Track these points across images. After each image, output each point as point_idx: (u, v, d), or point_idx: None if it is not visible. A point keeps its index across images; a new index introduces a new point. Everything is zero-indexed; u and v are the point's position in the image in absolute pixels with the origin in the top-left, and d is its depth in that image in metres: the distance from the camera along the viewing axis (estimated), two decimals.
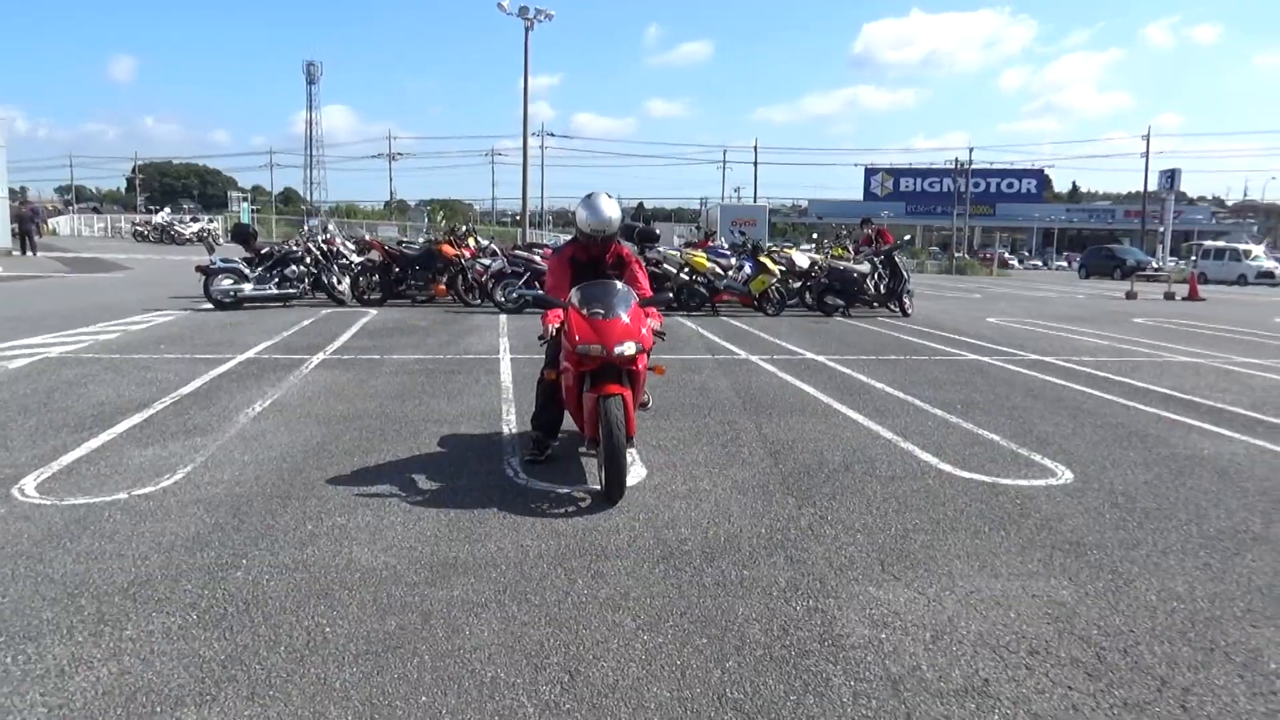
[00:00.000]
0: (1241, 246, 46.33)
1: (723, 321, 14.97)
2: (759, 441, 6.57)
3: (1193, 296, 24.59)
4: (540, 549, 4.34)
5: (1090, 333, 15.14)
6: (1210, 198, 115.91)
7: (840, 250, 18.05)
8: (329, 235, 17.28)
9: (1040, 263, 74.26)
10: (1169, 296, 24.66)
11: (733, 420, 7.28)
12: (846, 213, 70.55)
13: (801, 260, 17.21)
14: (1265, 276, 43.46)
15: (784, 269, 16.46)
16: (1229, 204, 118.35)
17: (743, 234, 19.21)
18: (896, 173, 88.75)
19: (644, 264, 15.41)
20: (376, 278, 16.03)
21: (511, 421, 7.08)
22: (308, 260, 15.62)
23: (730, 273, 16.11)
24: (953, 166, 77.85)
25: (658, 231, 18.14)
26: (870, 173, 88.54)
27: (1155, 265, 44.55)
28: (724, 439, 6.65)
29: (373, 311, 15.35)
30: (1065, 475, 5.85)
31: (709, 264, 15.84)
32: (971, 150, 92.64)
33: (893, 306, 16.84)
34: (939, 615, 3.70)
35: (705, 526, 4.72)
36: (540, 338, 5.47)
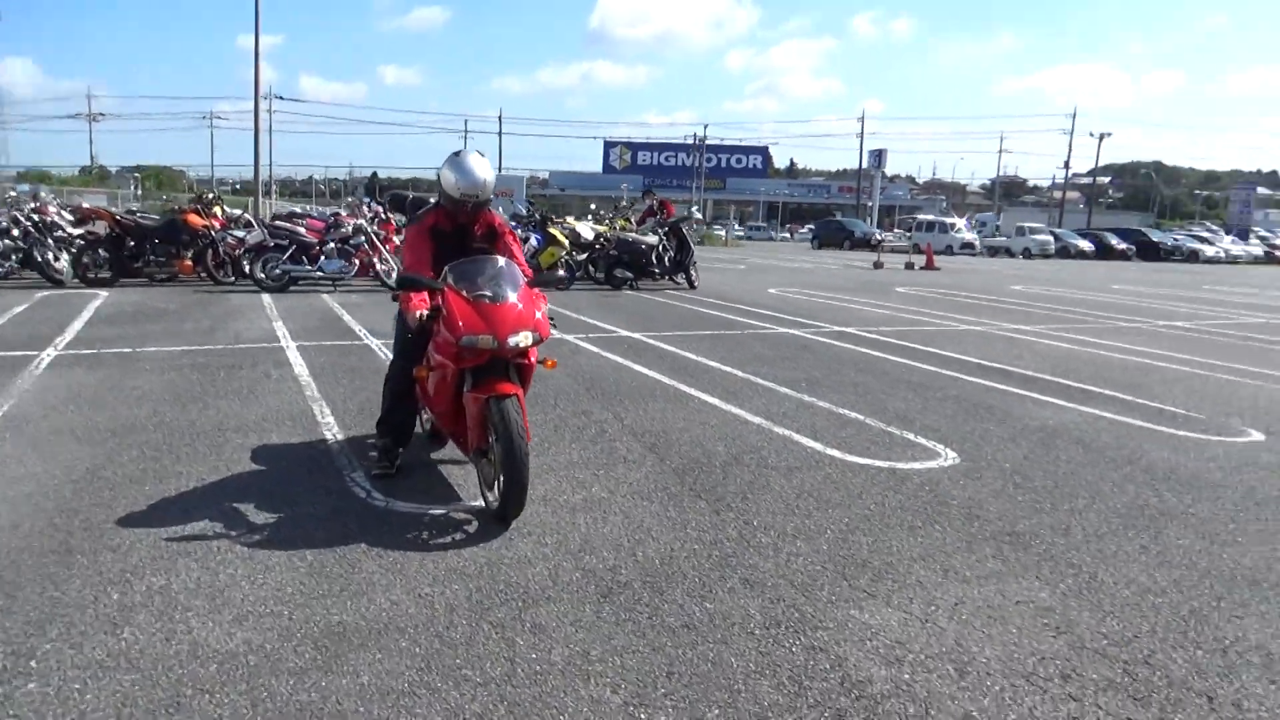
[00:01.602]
0: (948, 220, 50.96)
1: None
2: (628, 434, 5.90)
3: (929, 266, 26.52)
4: (448, 598, 3.44)
5: (868, 302, 15.67)
6: (905, 176, 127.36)
7: (624, 222, 17.62)
8: (40, 203, 14.59)
9: (770, 234, 78.17)
10: (909, 266, 26.45)
11: (586, 410, 6.56)
12: (586, 185, 71.12)
13: (586, 232, 16.61)
14: (967, 247, 47.92)
15: (570, 242, 15.79)
16: (920, 181, 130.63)
17: (531, 204, 18.29)
18: (634, 146, 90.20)
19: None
20: (105, 253, 13.68)
21: (332, 425, 5.96)
22: (15, 233, 13.05)
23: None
24: (687, 142, 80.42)
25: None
26: (609, 146, 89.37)
27: (879, 237, 47.99)
28: (589, 433, 5.92)
29: (103, 293, 13.08)
30: (950, 455, 5.65)
31: None
32: (706, 127, 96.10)
33: (679, 279, 16.65)
34: (944, 640, 3.24)
35: (628, 547, 4.00)
36: (408, 331, 4.48)
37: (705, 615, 3.37)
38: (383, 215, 15.44)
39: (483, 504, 4.40)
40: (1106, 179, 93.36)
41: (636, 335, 10.44)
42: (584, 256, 16.43)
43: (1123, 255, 46.92)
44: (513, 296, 4.27)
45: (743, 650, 3.12)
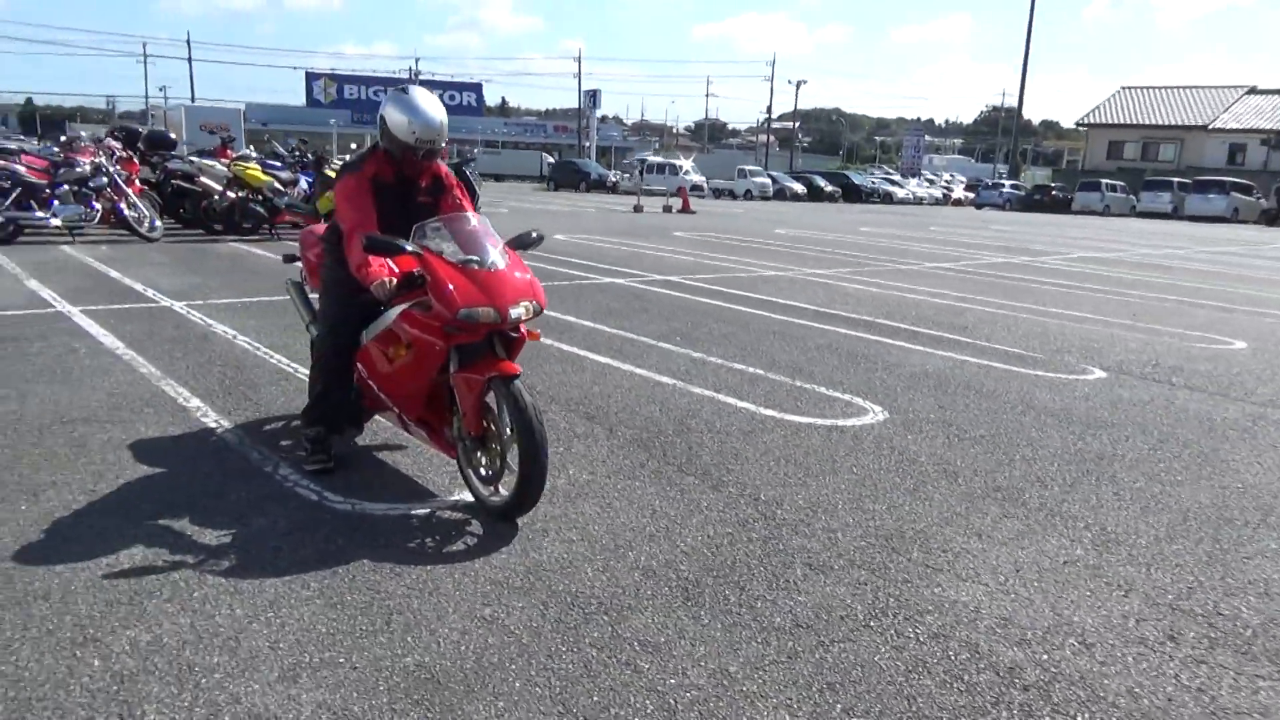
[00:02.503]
0: (675, 161, 52.38)
1: (291, 245, 12.70)
2: (552, 404, 5.46)
3: (685, 209, 27.15)
4: (522, 621, 2.96)
5: (663, 249, 15.71)
6: (613, 117, 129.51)
7: None
8: None
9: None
10: (667, 209, 26.94)
11: None
12: (289, 119, 66.11)
13: None
14: (695, 189, 49.67)
15: None
16: (628, 123, 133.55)
17: (304, 142, 16.46)
18: (340, 79, 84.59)
19: (187, 180, 12.54)
20: None
21: (205, 410, 5.03)
22: None
23: (293, 189, 13.72)
24: (398, 76, 76.98)
25: (172, 136, 14.83)
26: (312, 78, 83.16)
27: (613, 179, 48.55)
28: None
29: None
30: (876, 409, 5.72)
31: (266, 177, 13.30)
32: (417, 60, 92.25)
33: None
34: (1042, 612, 3.22)
35: (663, 537, 3.66)
36: (381, 301, 3.78)
37: (806, 611, 3.13)
38: (123, 154, 13.36)
39: (470, 498, 3.86)
40: (795, 124, 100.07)
41: None
42: None
43: (830, 197, 50.46)
44: (503, 262, 3.71)
45: (874, 646, 2.92)
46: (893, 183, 56.09)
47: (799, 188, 50.71)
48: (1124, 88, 57.44)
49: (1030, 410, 5.87)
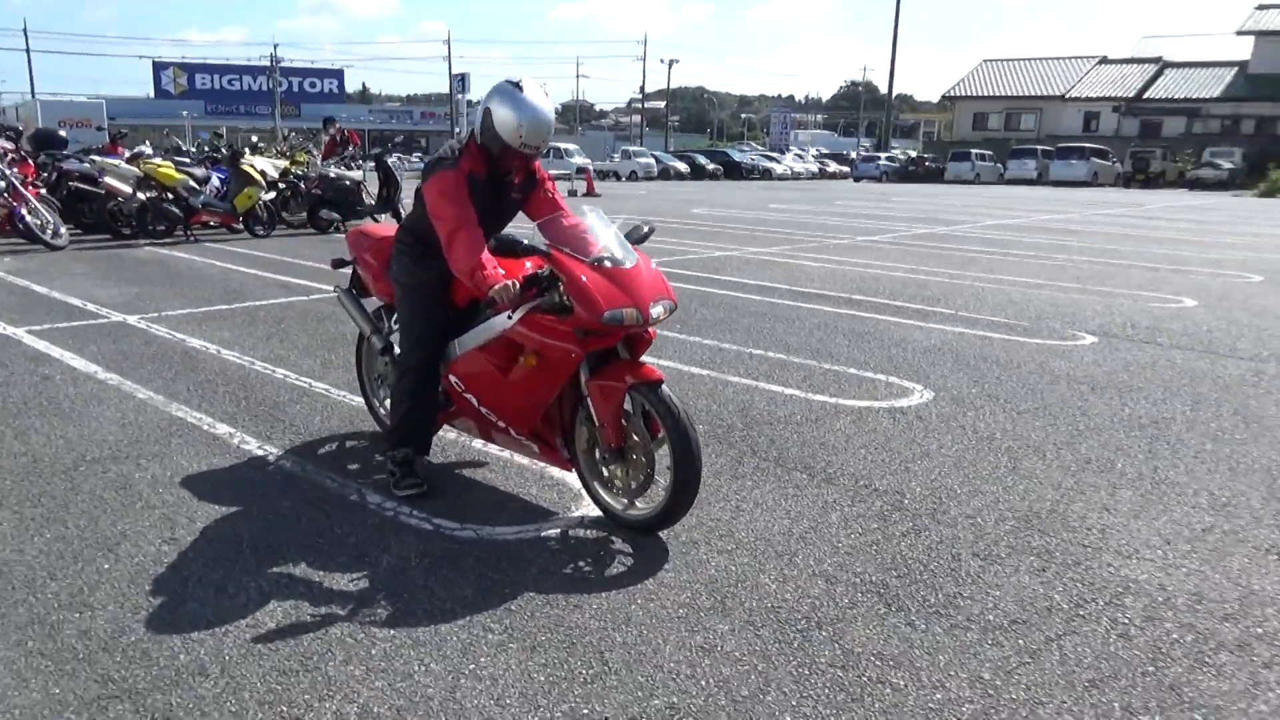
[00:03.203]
0: (563, 145, 51.83)
1: (221, 249, 11.90)
2: None
3: (590, 192, 26.85)
4: (741, 647, 2.77)
5: None
6: (478, 101, 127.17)
7: (305, 156, 15.57)
8: None
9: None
10: (572, 194, 26.56)
11: None
12: (140, 113, 62.44)
13: (269, 169, 14.46)
14: (582, 172, 49.30)
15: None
16: None
17: (219, 135, 15.35)
18: (190, 68, 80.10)
19: (88, 181, 11.56)
20: None
21: (245, 438, 4.58)
22: None
23: (205, 186, 12.82)
24: (253, 64, 73.73)
25: (63, 134, 13.67)
26: (160, 68, 78.46)
27: None
28: None
29: None
30: (920, 389, 5.70)
31: (180, 175, 12.37)
32: (277, 46, 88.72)
33: (378, 217, 15.16)
34: (1223, 586, 3.24)
35: (816, 540, 3.51)
36: (490, 305, 3.48)
37: (1009, 604, 3.05)
38: (15, 154, 12.21)
39: (595, 513, 3.62)
40: (667, 104, 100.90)
41: None
42: (270, 197, 14.32)
43: (713, 175, 50.79)
44: (634, 258, 3.46)
45: (1101, 635, 2.85)
46: (770, 159, 56.97)
47: (682, 167, 50.85)
48: (985, 61, 59.93)
49: (1056, 379, 5.95)
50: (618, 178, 47.86)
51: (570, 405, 3.60)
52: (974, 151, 47.52)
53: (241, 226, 13.13)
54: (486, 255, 3.48)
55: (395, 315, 4.27)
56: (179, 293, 8.61)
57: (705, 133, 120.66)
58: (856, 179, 50.82)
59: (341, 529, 3.52)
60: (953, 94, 59.46)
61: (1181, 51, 54.85)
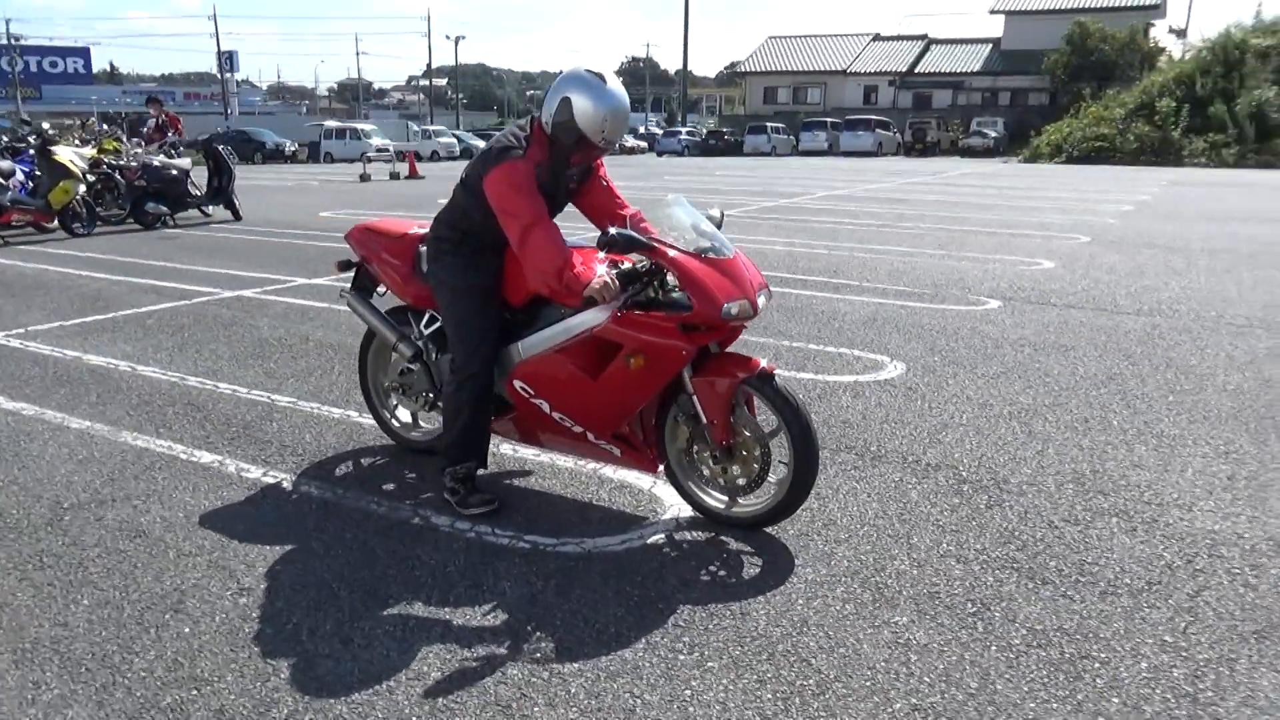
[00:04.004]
0: (362, 126, 49.63)
1: (43, 253, 10.56)
2: None
3: (413, 174, 25.84)
4: (948, 641, 2.74)
5: None
6: (244, 81, 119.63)
7: (113, 143, 14.03)
8: None
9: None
10: (395, 176, 25.49)
11: None
12: None
13: (77, 159, 12.96)
14: (382, 151, 47.54)
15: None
16: (264, 86, 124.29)
17: (26, 122, 13.42)
18: None
19: None
20: None
21: (238, 465, 4.12)
22: None
23: (9, 181, 11.30)
24: None
25: None
26: None
27: (291, 147, 45.24)
28: None
29: None
30: (889, 361, 5.87)
31: None
32: (9, 22, 79.94)
33: (207, 210, 14.01)
34: None
35: (916, 521, 3.55)
36: (587, 305, 3.24)
37: (1137, 569, 3.18)
38: None
39: (687, 513, 3.51)
40: (455, 81, 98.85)
41: (309, 280, 8.68)
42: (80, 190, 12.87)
43: None
44: (730, 247, 3.34)
45: (1234, 590, 3.03)
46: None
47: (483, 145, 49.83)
48: (770, 37, 62.24)
49: (998, 343, 6.29)
50: (419, 158, 46.36)
51: (657, 404, 3.43)
52: (769, 125, 49.38)
53: (57, 225, 11.71)
54: (573, 252, 3.25)
55: (421, 318, 3.93)
56: (28, 305, 7.58)
57: (493, 110, 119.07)
58: (659, 154, 51.62)
59: (431, 558, 3.21)
60: (743, 69, 61.48)
61: (943, 29, 59.18)
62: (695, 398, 3.28)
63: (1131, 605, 2.89)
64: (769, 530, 3.39)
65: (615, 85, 3.26)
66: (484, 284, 3.52)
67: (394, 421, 4.25)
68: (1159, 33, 51.72)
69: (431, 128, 52.93)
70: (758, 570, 3.13)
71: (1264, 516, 3.55)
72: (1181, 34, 54.23)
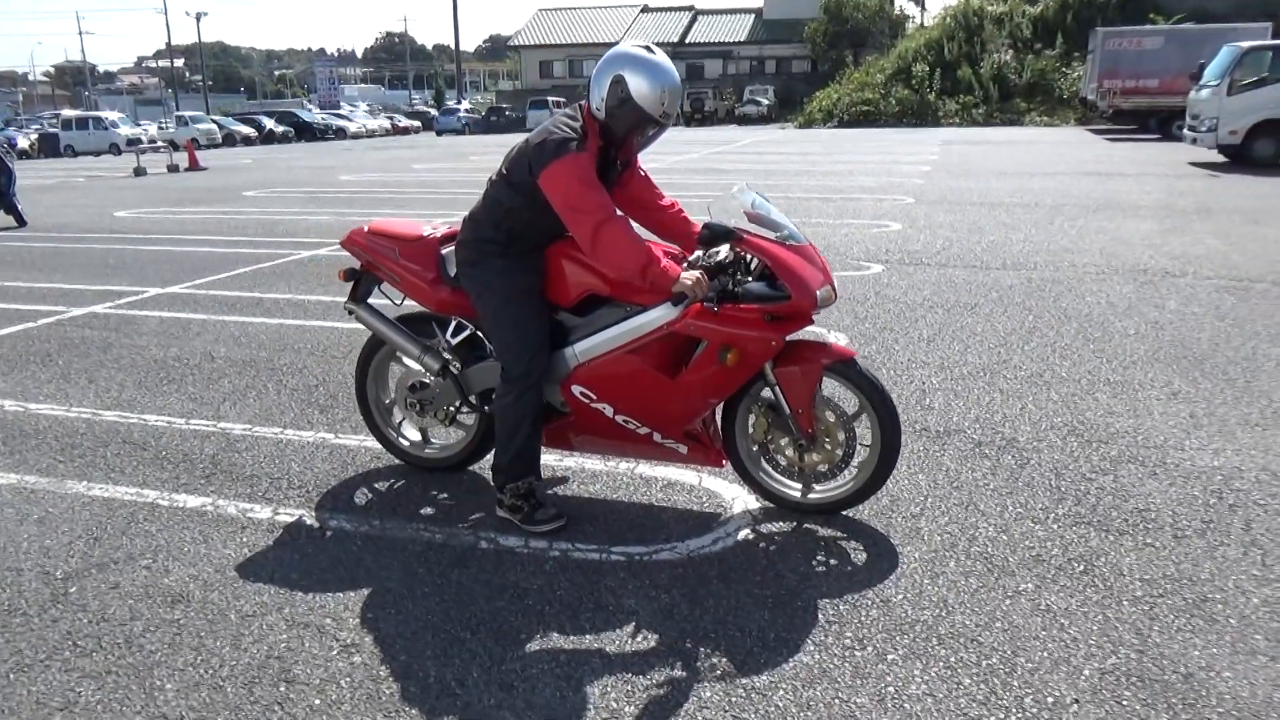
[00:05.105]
0: (106, 115, 45.11)
1: None
2: None
3: (193, 166, 23.80)
4: (1102, 622, 2.89)
5: (311, 212, 13.82)
6: None
7: None
8: None
9: None
10: (174, 169, 23.36)
11: None
12: None
13: None
14: (134, 143, 43.64)
15: None
16: None
17: None
18: None
19: None
20: None
21: (238, 506, 3.71)
22: None
23: None
24: None
25: None
26: None
27: (22, 140, 40.62)
28: None
29: None
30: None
31: None
32: None
33: None
34: None
35: (986, 496, 3.70)
36: (695, 299, 3.11)
37: (1206, 512, 3.45)
38: None
39: (754, 505, 3.51)
40: (181, 61, 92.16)
41: (163, 289, 7.87)
42: None
43: (284, 138, 47.62)
44: (801, 233, 3.33)
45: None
46: (342, 117, 54.51)
47: (250, 131, 46.94)
48: (541, 10, 61.82)
49: (911, 306, 6.63)
50: (175, 147, 42.83)
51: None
52: (550, 99, 49.18)
53: None
54: (655, 245, 3.13)
55: (446, 327, 3.66)
56: None
57: (240, 92, 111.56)
58: (439, 132, 50.28)
59: (531, 583, 3.03)
60: (515, 43, 60.78)
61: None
62: (779, 388, 3.24)
63: (1207, 546, 3.14)
64: (846, 513, 3.41)
65: (663, 56, 3.16)
66: (536, 286, 3.32)
67: (402, 440, 3.94)
68: (903, 1, 55.66)
69: (189, 114, 49.06)
70: (864, 555, 3.16)
71: (1245, 450, 3.95)
72: (920, 2, 58.78)
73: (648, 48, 3.15)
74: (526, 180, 3.17)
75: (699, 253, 3.27)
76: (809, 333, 4.12)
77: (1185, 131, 17.75)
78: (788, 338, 3.19)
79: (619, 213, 3.12)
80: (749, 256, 3.23)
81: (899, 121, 37.80)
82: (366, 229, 3.71)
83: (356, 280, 3.75)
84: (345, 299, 3.79)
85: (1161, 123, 24.89)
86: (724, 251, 3.20)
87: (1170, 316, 6.15)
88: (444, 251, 3.55)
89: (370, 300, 3.80)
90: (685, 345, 3.27)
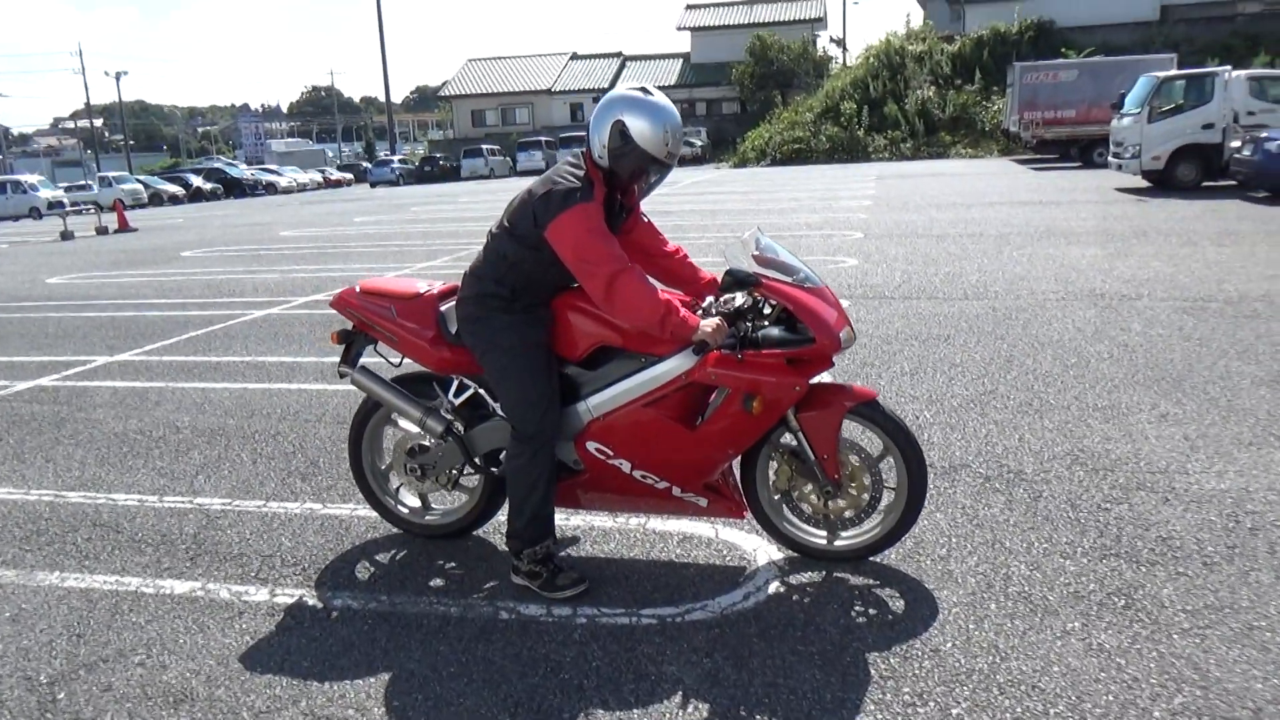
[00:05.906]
0: (25, 179, 43.85)
1: None
2: None
3: (123, 227, 23.14)
4: (1137, 650, 2.84)
5: (256, 271, 13.44)
6: None
7: None
8: None
9: None
10: (103, 231, 22.67)
11: None
12: None
13: None
14: (57, 205, 42.49)
15: None
16: None
17: None
18: None
19: None
20: None
21: (239, 589, 3.49)
22: None
23: None
24: None
25: None
26: None
27: None
28: None
29: None
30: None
31: None
32: None
33: None
34: None
35: (1008, 528, 3.65)
36: (697, 350, 3.02)
37: (1227, 535, 3.44)
38: None
39: (777, 555, 3.42)
40: (100, 121, 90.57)
41: (111, 358, 7.54)
42: None
43: (213, 195, 46.92)
44: (816, 275, 3.27)
45: None
46: (271, 172, 53.89)
47: (177, 189, 46.21)
48: (470, 60, 62.01)
49: (886, 340, 6.63)
50: (100, 208, 41.77)
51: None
52: (484, 148, 49.24)
53: None
54: (671, 294, 3.05)
55: (448, 387, 3.51)
56: None
57: (163, 150, 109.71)
58: (373, 184, 49.88)
59: (562, 655, 2.87)
60: (446, 94, 60.83)
61: (636, 45, 61.81)
62: (802, 433, 3.16)
63: (1238, 572, 3.12)
64: (873, 559, 3.33)
65: (661, 96, 3.10)
66: (545, 341, 3.20)
67: (401, 508, 3.76)
68: (825, 42, 57.07)
69: (112, 174, 48.03)
70: (902, 603, 3.07)
71: (1247, 470, 3.97)
72: (840, 43, 60.30)
73: (644, 89, 3.08)
74: (532, 232, 3.07)
75: (710, 299, 3.19)
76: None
77: (1110, 159, 18.34)
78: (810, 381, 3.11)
79: (629, 263, 3.03)
80: (763, 302, 3.15)
81: (830, 158, 38.53)
82: (358, 288, 3.56)
83: (349, 343, 3.59)
84: (339, 363, 3.62)
85: (1082, 150, 25.74)
86: (740, 297, 3.13)
87: (1138, 339, 6.23)
88: (443, 308, 3.42)
89: (363, 361, 3.63)
90: (701, 395, 3.18)
